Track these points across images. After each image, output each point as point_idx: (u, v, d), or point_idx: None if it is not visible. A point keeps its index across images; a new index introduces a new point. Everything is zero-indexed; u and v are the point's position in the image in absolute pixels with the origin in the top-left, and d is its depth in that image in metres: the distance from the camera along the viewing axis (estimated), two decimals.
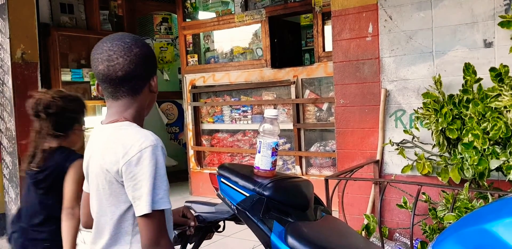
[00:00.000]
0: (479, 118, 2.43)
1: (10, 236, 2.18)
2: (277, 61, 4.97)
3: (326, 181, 2.69)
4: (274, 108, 4.90)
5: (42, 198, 2.10)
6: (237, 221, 1.84)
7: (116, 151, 1.27)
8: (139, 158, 1.24)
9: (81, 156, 1.83)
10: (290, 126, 4.73)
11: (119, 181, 1.27)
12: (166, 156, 1.31)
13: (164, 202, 1.26)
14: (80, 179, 1.92)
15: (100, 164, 1.31)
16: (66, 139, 2.16)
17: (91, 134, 1.45)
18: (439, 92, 2.65)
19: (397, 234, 2.98)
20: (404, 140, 2.95)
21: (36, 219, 2.09)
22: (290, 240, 1.52)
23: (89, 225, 1.51)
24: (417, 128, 2.81)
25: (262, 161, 1.69)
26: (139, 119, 1.38)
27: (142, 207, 1.23)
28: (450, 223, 2.28)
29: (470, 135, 2.43)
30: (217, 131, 5.56)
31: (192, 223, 1.65)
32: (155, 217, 1.25)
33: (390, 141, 2.98)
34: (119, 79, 1.32)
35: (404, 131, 2.88)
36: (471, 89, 2.51)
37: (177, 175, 5.91)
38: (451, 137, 2.54)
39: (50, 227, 2.07)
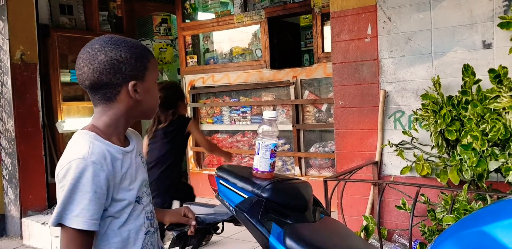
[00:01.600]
0: (478, 119, 2.43)
1: None
2: (277, 62, 4.97)
3: (325, 182, 2.69)
4: (273, 109, 4.90)
5: (165, 144, 3.23)
6: (236, 223, 1.84)
7: (61, 158, 1.25)
8: (67, 169, 1.19)
9: (191, 119, 3.39)
10: (289, 127, 4.73)
11: (57, 189, 1.23)
12: (109, 172, 1.23)
13: (78, 221, 1.17)
14: (198, 129, 3.45)
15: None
16: (178, 110, 3.31)
17: None
18: (438, 93, 2.65)
19: (396, 236, 2.98)
20: (403, 141, 2.95)
21: (153, 160, 3.21)
22: (289, 242, 1.52)
23: None
24: (416, 129, 2.81)
25: (260, 163, 1.69)
26: (116, 127, 1.33)
27: (51, 219, 1.19)
28: (449, 224, 2.28)
29: (469, 136, 2.43)
30: (217, 131, 5.56)
31: (194, 223, 1.64)
32: (67, 233, 1.19)
33: (389, 142, 2.98)
34: (88, 87, 1.29)
35: (403, 132, 2.88)
36: (470, 90, 2.51)
37: None
38: (450, 138, 2.54)
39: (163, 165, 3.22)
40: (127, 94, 1.29)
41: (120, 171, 1.27)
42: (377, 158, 3.06)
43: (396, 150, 2.96)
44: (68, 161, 1.20)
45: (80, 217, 1.17)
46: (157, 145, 3.24)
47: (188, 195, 3.41)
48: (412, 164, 2.88)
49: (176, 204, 3.35)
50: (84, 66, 1.26)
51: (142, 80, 1.30)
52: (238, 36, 5.55)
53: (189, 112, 5.57)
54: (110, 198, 1.24)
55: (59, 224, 1.19)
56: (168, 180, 3.22)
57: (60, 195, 1.19)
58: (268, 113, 1.67)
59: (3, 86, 4.63)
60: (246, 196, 1.66)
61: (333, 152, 3.72)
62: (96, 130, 1.30)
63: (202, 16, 5.66)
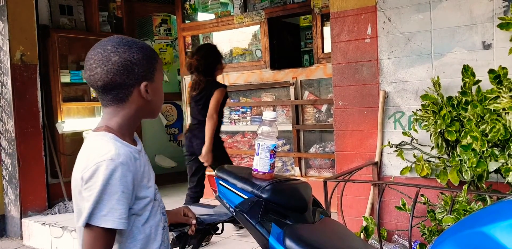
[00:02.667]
0: (478, 120, 2.43)
1: (187, 136, 3.72)
2: (276, 63, 4.97)
3: (325, 183, 2.69)
4: (273, 109, 4.90)
5: (200, 110, 3.57)
6: (236, 223, 1.84)
7: (82, 161, 1.26)
8: (94, 171, 1.21)
9: (224, 86, 3.61)
10: (289, 127, 4.73)
11: (82, 191, 1.25)
12: (135, 173, 1.26)
13: (107, 220, 1.20)
14: (219, 99, 3.50)
15: (74, 171, 1.30)
16: (215, 76, 3.61)
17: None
18: (437, 94, 2.65)
19: (396, 236, 2.98)
20: (403, 141, 2.95)
21: (196, 122, 3.64)
22: (288, 242, 1.52)
23: None
24: (415, 130, 2.81)
25: (260, 163, 1.69)
26: (128, 127, 1.35)
27: (81, 218, 1.21)
28: (448, 225, 2.28)
29: (468, 137, 2.43)
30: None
31: (194, 221, 1.65)
32: (93, 233, 1.21)
33: (389, 142, 2.98)
34: (100, 88, 1.30)
35: (403, 132, 2.88)
36: (469, 91, 2.51)
37: (176, 177, 5.91)
38: (449, 138, 2.54)
39: (203, 127, 3.50)
40: (138, 95, 1.32)
41: (140, 170, 1.31)
42: (377, 159, 3.06)
43: (396, 151, 2.96)
44: (95, 162, 1.22)
45: (109, 217, 1.20)
46: (194, 110, 3.65)
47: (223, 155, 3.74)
48: (412, 165, 2.88)
49: None
50: (97, 67, 1.27)
51: (152, 80, 1.33)
52: (238, 37, 5.55)
53: (188, 113, 5.56)
54: (134, 196, 1.27)
55: (86, 224, 1.21)
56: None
57: (88, 195, 1.21)
58: (268, 114, 1.67)
59: (3, 86, 4.63)
60: (245, 197, 1.66)
61: (333, 152, 3.72)
62: (112, 131, 1.32)
63: (202, 16, 5.66)
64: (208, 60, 3.55)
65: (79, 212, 1.25)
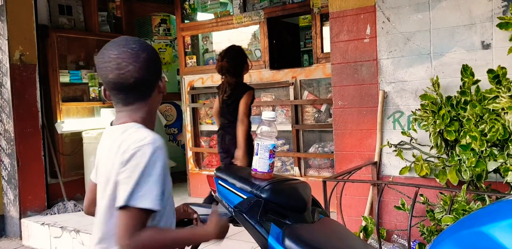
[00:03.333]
0: (477, 120, 2.43)
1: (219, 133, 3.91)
2: (276, 63, 4.97)
3: (324, 182, 2.69)
4: (273, 109, 4.90)
5: (231, 112, 3.71)
6: (235, 223, 1.84)
7: (119, 150, 1.30)
8: (134, 154, 1.27)
9: (251, 88, 3.77)
10: (288, 127, 4.73)
11: (119, 174, 1.30)
12: (166, 158, 1.32)
13: (144, 201, 1.24)
14: (248, 102, 3.66)
15: (107, 163, 1.34)
16: (240, 76, 3.77)
17: (103, 134, 1.50)
18: (437, 94, 2.65)
19: (395, 236, 2.98)
20: (402, 141, 2.95)
21: (227, 122, 3.78)
22: (287, 242, 1.52)
23: (88, 211, 1.58)
24: (415, 130, 2.82)
25: (259, 163, 1.69)
26: (150, 121, 1.42)
27: (119, 199, 1.26)
28: (447, 225, 2.28)
29: (468, 137, 2.43)
30: (216, 132, 5.55)
31: (195, 215, 1.67)
32: (130, 213, 1.25)
33: (388, 142, 2.98)
34: (131, 86, 1.35)
35: (402, 132, 2.88)
36: (469, 91, 2.51)
37: (176, 176, 5.90)
38: (449, 138, 2.54)
39: (234, 125, 3.65)
40: (158, 90, 1.42)
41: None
42: (376, 158, 3.06)
43: (395, 150, 2.96)
44: (135, 146, 1.27)
45: (147, 197, 1.25)
46: (224, 111, 3.81)
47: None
48: (411, 164, 2.88)
49: None
50: (129, 65, 1.32)
51: (163, 75, 1.45)
52: (237, 37, 5.55)
53: (188, 113, 5.58)
54: (166, 180, 1.33)
55: (124, 206, 1.25)
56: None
57: (125, 177, 1.26)
58: (267, 114, 1.68)
59: (2, 87, 4.62)
60: (245, 197, 1.66)
61: (332, 152, 3.72)
62: (141, 123, 1.38)
63: (201, 16, 5.66)
64: (237, 61, 3.72)
65: (112, 197, 1.30)
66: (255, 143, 1.70)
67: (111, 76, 1.33)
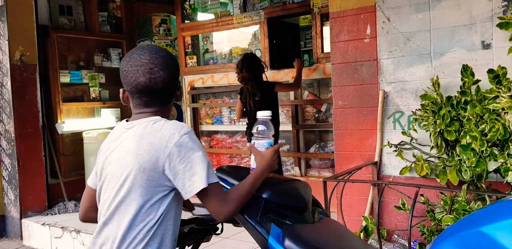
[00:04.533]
0: (477, 120, 2.43)
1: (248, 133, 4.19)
2: (276, 63, 4.97)
3: (325, 182, 2.69)
4: None
5: (262, 107, 3.58)
6: (235, 223, 1.84)
7: (153, 141, 1.37)
8: (182, 143, 1.37)
9: (275, 82, 4.26)
10: (289, 127, 4.73)
11: (158, 171, 1.36)
12: None
13: (215, 176, 1.42)
14: (284, 85, 4.31)
15: (132, 157, 1.38)
16: (261, 79, 4.14)
17: (112, 130, 1.55)
18: (437, 94, 2.65)
19: (396, 236, 2.98)
20: (402, 141, 2.95)
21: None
22: (288, 242, 1.52)
23: (85, 219, 1.60)
24: (415, 130, 2.82)
25: None
26: None
27: (199, 183, 1.36)
28: (448, 225, 2.28)
29: (468, 137, 2.43)
30: (216, 132, 5.56)
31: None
32: (214, 189, 1.40)
33: (389, 142, 2.98)
34: (158, 90, 1.44)
35: (402, 132, 2.88)
36: (469, 91, 2.51)
37: None
38: (449, 138, 2.54)
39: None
40: (175, 97, 1.53)
41: None
42: (376, 158, 3.06)
43: (396, 150, 2.96)
44: (179, 136, 1.37)
45: (213, 173, 1.43)
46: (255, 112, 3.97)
47: None
48: (411, 164, 2.88)
49: None
50: (160, 71, 1.43)
51: (180, 85, 1.50)
52: (238, 37, 5.55)
53: (188, 113, 5.58)
54: None
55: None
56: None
57: (188, 162, 1.37)
58: (262, 113, 1.68)
59: (3, 87, 4.63)
60: None
61: (333, 152, 3.72)
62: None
63: (201, 16, 5.66)
64: (254, 68, 4.09)
65: (145, 193, 1.37)
66: (252, 142, 1.70)
67: (142, 79, 1.42)
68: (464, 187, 2.39)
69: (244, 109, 4.21)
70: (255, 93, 4.07)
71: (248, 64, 4.08)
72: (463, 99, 2.50)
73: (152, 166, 1.36)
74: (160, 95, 1.47)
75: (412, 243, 2.59)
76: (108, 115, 5.59)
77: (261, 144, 1.66)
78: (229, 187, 1.72)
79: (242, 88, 4.19)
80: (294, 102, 4.69)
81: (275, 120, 4.13)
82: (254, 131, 1.68)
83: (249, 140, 4.10)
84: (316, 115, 4.67)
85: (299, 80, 4.28)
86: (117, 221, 1.39)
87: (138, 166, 1.36)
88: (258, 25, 4.98)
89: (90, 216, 1.57)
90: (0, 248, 4.50)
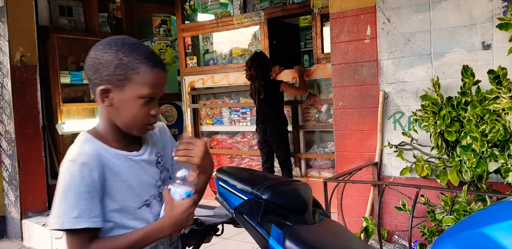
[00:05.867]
0: (478, 120, 2.43)
1: (260, 126, 4.43)
2: (276, 63, 4.97)
3: (325, 183, 2.69)
4: None
5: (270, 108, 4.34)
6: (236, 224, 1.84)
7: None
8: (60, 173, 1.22)
9: (280, 81, 4.38)
10: (289, 128, 4.73)
11: None
12: (99, 171, 1.22)
13: (80, 222, 1.18)
14: (288, 84, 4.41)
15: None
16: (269, 77, 4.37)
17: None
18: (437, 94, 2.65)
19: (396, 237, 2.98)
20: (402, 142, 2.95)
21: (266, 117, 4.42)
22: (288, 243, 1.52)
23: None
24: (415, 130, 2.81)
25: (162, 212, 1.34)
26: (111, 132, 1.31)
27: (52, 223, 1.21)
28: (448, 225, 2.28)
29: (468, 137, 2.43)
30: (216, 132, 5.56)
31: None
32: (68, 236, 1.22)
33: (389, 143, 2.98)
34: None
35: (402, 133, 2.88)
36: (469, 91, 2.51)
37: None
38: (449, 139, 2.54)
39: (274, 119, 4.40)
40: (99, 97, 1.27)
41: (125, 177, 1.29)
42: (376, 159, 3.06)
43: (396, 151, 2.96)
44: (62, 164, 1.23)
45: (80, 218, 1.18)
46: (263, 109, 4.37)
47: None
48: (411, 165, 2.88)
49: None
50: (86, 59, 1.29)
51: (120, 89, 1.25)
52: (238, 37, 5.55)
53: (188, 114, 5.58)
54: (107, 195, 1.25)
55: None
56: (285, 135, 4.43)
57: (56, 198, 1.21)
58: (180, 173, 1.33)
59: (3, 88, 4.63)
60: (245, 198, 1.66)
61: (333, 152, 3.72)
62: (94, 131, 1.32)
63: (201, 17, 5.66)
64: (263, 67, 4.30)
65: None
66: (167, 187, 1.34)
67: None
68: (465, 187, 2.39)
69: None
70: (260, 91, 4.26)
71: (257, 62, 4.29)
72: (463, 100, 2.50)
73: None
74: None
75: (412, 243, 2.59)
76: None
77: (178, 193, 1.31)
78: (229, 188, 1.72)
79: (251, 85, 4.42)
80: (295, 102, 4.69)
81: (281, 118, 4.38)
82: (177, 174, 1.33)
83: (261, 133, 4.45)
84: (317, 115, 4.67)
85: (304, 85, 4.40)
86: None
87: None
88: (258, 26, 4.98)
89: None
90: (1, 248, 4.50)
